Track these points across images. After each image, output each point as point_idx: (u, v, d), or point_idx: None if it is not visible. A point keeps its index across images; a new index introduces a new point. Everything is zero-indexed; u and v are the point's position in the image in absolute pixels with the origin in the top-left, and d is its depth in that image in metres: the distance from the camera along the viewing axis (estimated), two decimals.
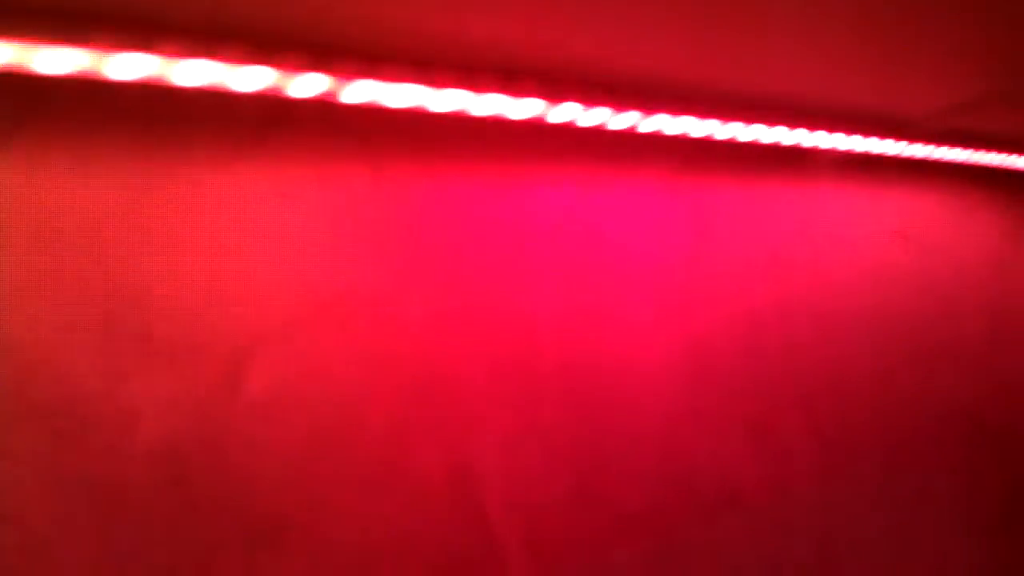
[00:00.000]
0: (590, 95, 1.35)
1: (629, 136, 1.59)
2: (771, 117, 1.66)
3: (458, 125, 1.43)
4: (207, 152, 1.22)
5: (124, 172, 1.15)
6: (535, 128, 1.46)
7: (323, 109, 1.29)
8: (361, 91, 1.22)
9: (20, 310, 1.07)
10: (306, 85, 1.18)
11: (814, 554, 1.85)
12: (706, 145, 1.73)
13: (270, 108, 1.26)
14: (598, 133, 1.52)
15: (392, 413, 1.34)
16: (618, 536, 1.56)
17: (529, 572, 1.44)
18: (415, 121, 1.37)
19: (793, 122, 1.70)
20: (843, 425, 1.95)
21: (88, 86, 1.11)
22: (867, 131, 1.85)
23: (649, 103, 1.42)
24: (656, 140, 1.65)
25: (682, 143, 1.69)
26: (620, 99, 1.39)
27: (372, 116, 1.34)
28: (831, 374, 1.95)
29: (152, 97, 1.16)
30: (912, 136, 1.93)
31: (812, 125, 1.74)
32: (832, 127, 1.78)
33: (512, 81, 1.27)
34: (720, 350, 1.75)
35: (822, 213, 1.97)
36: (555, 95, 1.30)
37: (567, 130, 1.50)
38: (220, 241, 1.22)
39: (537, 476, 1.47)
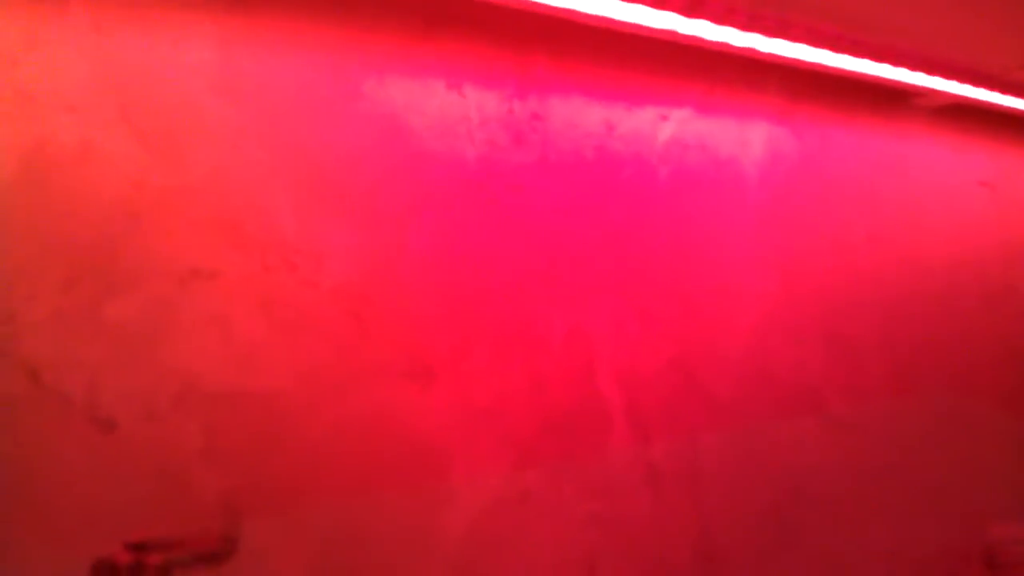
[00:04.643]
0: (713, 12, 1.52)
1: (744, 61, 1.76)
2: (877, 54, 1.81)
3: (594, 34, 1.61)
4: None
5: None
6: (670, 44, 1.64)
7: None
8: None
9: (233, 155, 1.28)
10: None
11: (884, 459, 2.03)
12: (814, 77, 1.89)
13: None
14: (717, 54, 1.69)
15: (522, 280, 1.54)
16: (707, 418, 1.75)
17: (629, 434, 1.64)
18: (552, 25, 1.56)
19: (897, 61, 1.85)
20: (916, 350, 2.11)
21: None
22: (963, 78, 1.99)
23: (765, 27, 1.59)
24: (769, 68, 1.82)
25: (793, 73, 1.86)
26: (741, 21, 1.56)
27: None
28: (909, 304, 2.11)
29: None
30: (1003, 87, 2.07)
31: (913, 66, 1.89)
32: (931, 71, 1.93)
33: None
34: (811, 270, 1.92)
35: (916, 156, 2.12)
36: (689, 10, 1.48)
37: (694, 48, 1.67)
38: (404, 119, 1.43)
39: (639, 351, 1.66)
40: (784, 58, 1.69)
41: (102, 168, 1.18)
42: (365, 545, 1.37)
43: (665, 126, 1.71)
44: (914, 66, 1.87)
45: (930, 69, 1.91)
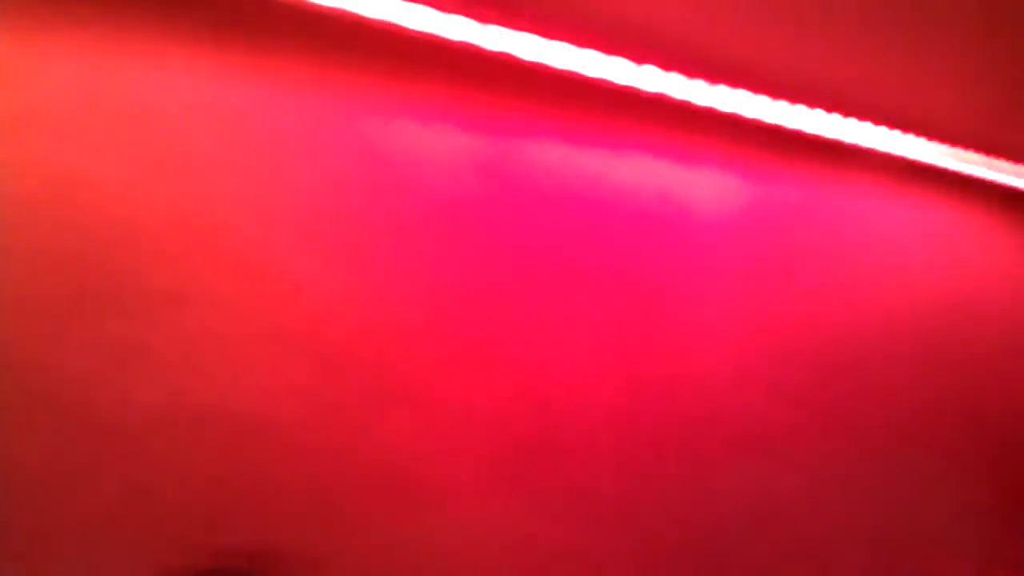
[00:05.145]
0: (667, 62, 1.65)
1: (698, 113, 1.89)
2: (827, 105, 1.94)
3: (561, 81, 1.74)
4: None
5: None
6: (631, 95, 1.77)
7: None
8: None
9: (222, 184, 1.40)
10: None
11: (830, 503, 2.12)
12: (766, 131, 2.01)
13: None
14: (669, 105, 1.83)
15: (489, 314, 1.64)
16: (655, 455, 1.83)
17: (586, 468, 1.73)
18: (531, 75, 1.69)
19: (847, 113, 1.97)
20: (857, 396, 2.18)
21: None
22: (905, 130, 2.10)
23: (715, 77, 1.72)
24: (720, 119, 1.94)
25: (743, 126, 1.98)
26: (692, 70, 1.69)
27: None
28: (852, 358, 2.19)
29: None
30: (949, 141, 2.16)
31: (861, 118, 2.00)
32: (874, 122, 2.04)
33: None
34: (758, 316, 2.02)
35: (863, 207, 2.22)
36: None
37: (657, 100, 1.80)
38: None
39: (595, 386, 1.76)
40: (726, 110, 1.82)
41: (101, 195, 1.29)
42: (351, 567, 1.46)
43: (622, 169, 1.83)
44: (861, 118, 1.98)
45: (874, 122, 2.02)
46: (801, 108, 1.91)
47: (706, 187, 1.95)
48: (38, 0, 1.26)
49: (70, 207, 1.27)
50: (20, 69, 1.25)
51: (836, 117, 1.96)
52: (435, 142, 1.62)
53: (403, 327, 1.54)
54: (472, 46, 1.54)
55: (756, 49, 1.71)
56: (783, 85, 1.86)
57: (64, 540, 1.22)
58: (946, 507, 2.37)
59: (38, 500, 1.21)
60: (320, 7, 1.36)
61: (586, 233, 1.78)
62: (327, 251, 1.48)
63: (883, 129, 2.06)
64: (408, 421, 1.52)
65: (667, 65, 1.65)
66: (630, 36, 1.61)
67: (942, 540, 2.36)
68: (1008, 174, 2.28)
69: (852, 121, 1.99)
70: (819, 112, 1.94)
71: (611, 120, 1.83)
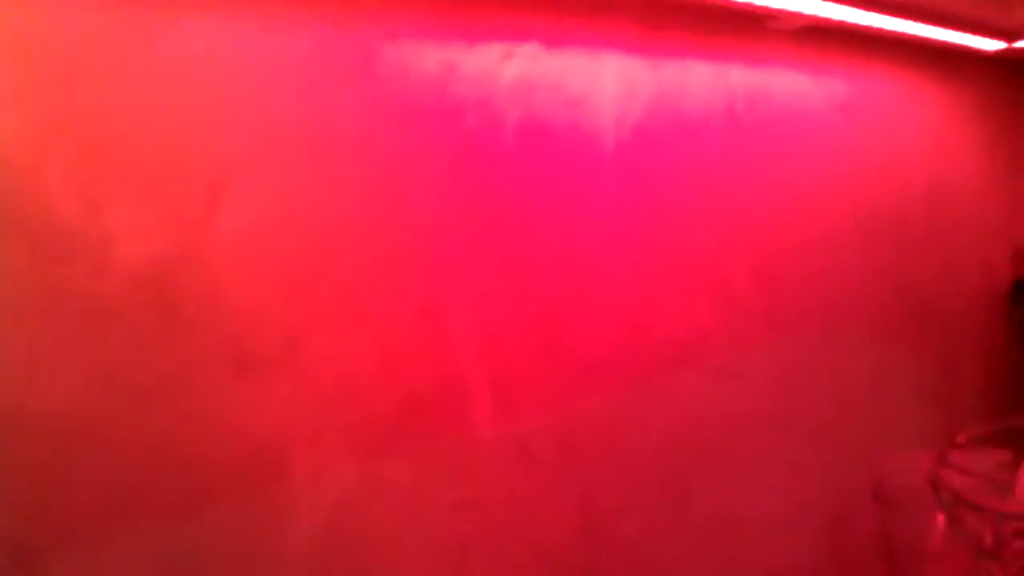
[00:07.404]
0: None
1: None
2: None
3: None
4: None
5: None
6: None
7: None
8: None
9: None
10: None
11: (767, 406, 1.95)
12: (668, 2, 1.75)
13: None
14: None
15: (361, 248, 1.35)
16: (578, 381, 1.61)
17: (494, 409, 1.49)
18: None
19: None
20: (790, 286, 2.03)
21: None
22: None
23: None
24: None
25: None
26: None
27: None
28: (780, 238, 2.02)
29: None
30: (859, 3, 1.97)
31: None
32: None
33: None
34: (674, 211, 1.80)
35: (777, 82, 2.02)
36: None
37: None
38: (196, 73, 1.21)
39: (499, 318, 1.50)
40: None
41: None
42: (201, 566, 1.19)
43: (510, 64, 1.54)
44: None
45: None
46: None
47: (606, 75, 1.68)
48: None
49: None
50: None
51: None
52: (283, 44, 1.29)
53: (255, 278, 1.25)
54: None
55: None
56: None
57: None
58: (889, 392, 2.29)
59: None
60: None
61: (473, 143, 1.49)
62: (141, 196, 1.16)
63: None
64: (271, 388, 1.24)
65: None
66: None
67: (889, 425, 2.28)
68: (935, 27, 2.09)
69: None
70: None
71: (489, 7, 1.54)
